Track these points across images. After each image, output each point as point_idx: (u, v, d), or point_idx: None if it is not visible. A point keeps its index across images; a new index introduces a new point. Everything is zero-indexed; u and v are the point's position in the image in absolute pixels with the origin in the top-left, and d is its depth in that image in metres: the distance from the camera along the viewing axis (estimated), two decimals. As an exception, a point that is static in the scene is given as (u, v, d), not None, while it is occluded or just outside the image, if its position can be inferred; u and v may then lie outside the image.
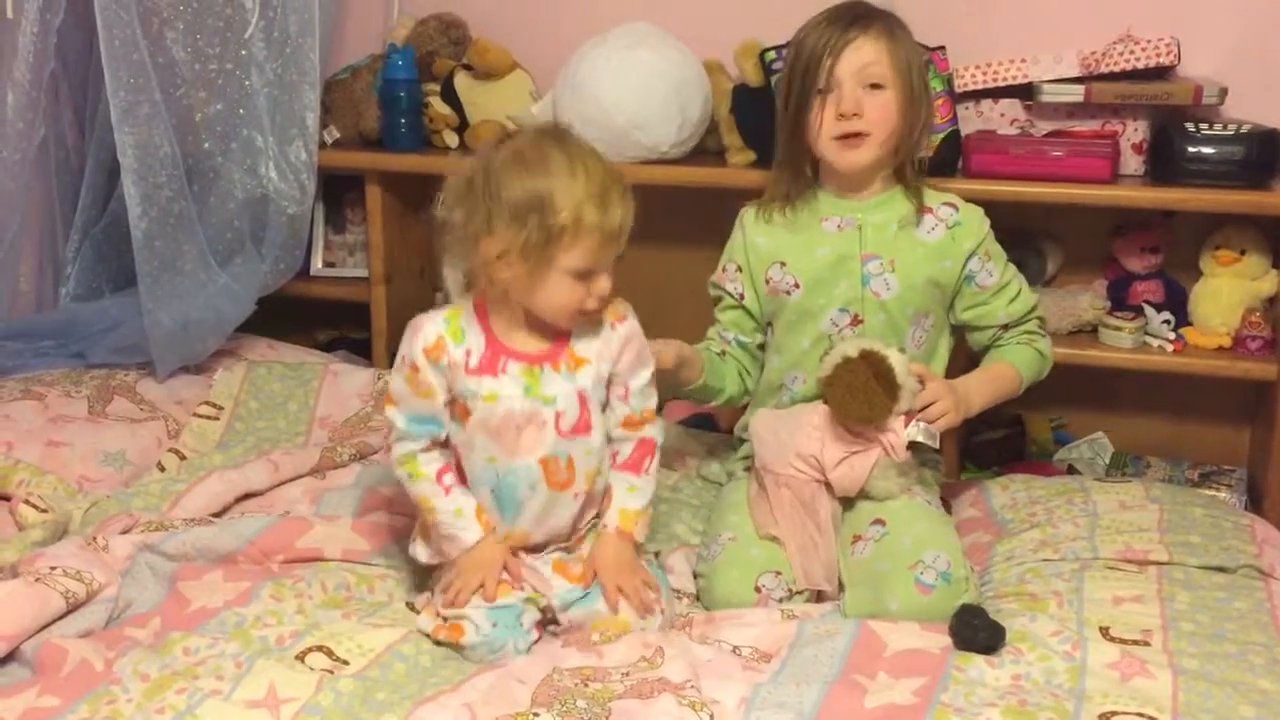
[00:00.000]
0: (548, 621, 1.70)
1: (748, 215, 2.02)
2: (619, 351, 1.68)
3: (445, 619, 1.65)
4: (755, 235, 1.99)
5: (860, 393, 1.75)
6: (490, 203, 1.56)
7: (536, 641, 1.66)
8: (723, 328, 2.05)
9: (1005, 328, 1.98)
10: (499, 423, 1.63)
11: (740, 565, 1.79)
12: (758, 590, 1.77)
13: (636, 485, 1.72)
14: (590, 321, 1.66)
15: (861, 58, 1.86)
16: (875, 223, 1.94)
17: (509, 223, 1.55)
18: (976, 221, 1.96)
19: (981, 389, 1.93)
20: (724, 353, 2.04)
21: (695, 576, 1.86)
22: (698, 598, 1.83)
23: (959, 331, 2.03)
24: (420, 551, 1.74)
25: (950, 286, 1.95)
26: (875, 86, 1.86)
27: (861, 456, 1.81)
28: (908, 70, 1.88)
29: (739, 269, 2.01)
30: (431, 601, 1.69)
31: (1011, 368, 1.97)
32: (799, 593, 1.79)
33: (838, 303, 1.93)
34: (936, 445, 1.88)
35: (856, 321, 1.93)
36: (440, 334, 1.64)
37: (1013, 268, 2.00)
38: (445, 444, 1.69)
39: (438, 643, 1.64)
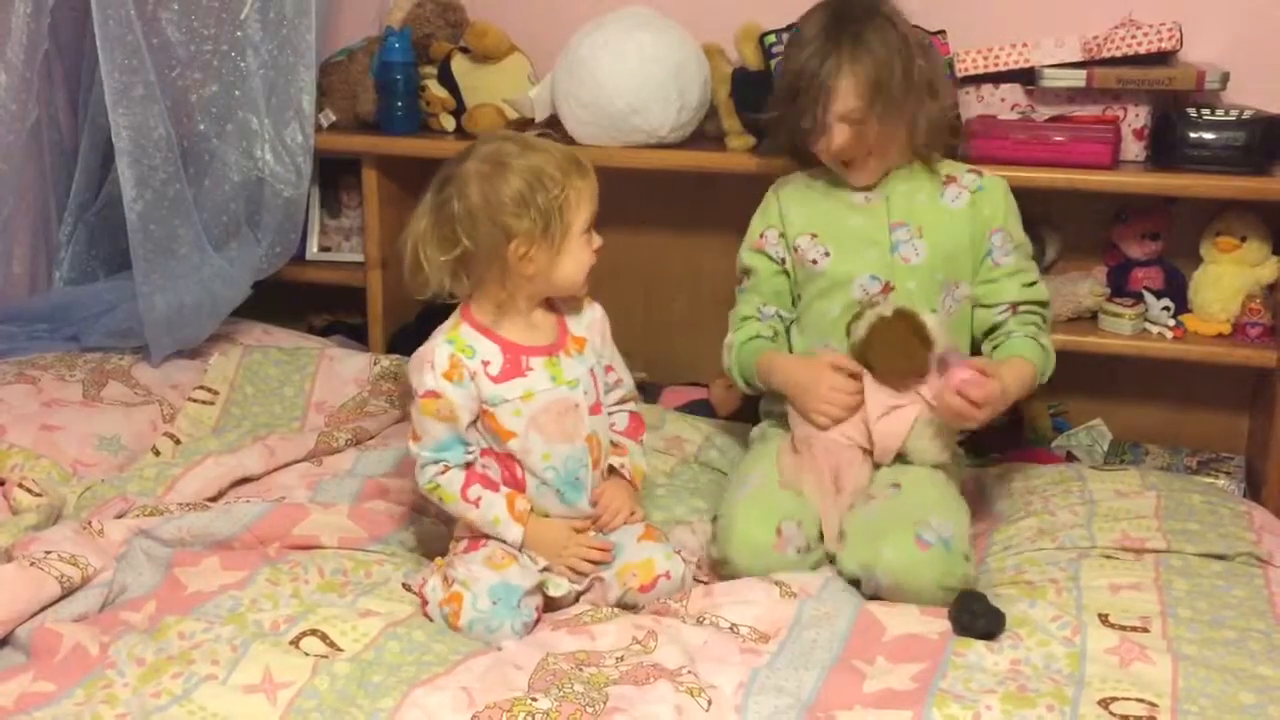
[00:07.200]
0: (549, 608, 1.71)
1: (783, 189, 2.03)
2: (601, 327, 1.82)
3: (451, 582, 1.66)
4: (790, 206, 2.00)
5: (898, 347, 1.81)
6: (493, 211, 1.65)
7: (537, 622, 1.66)
8: (763, 302, 2.02)
9: (1014, 307, 1.96)
10: (540, 414, 1.70)
11: (764, 505, 1.79)
12: (778, 533, 1.76)
13: (641, 450, 1.87)
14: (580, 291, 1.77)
15: (843, 104, 1.85)
16: (901, 191, 1.96)
17: (520, 213, 1.65)
18: (1000, 190, 1.98)
19: (1013, 382, 1.87)
20: (776, 335, 2.01)
21: (712, 525, 1.85)
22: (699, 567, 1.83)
23: None
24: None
25: (979, 252, 1.96)
26: (860, 121, 1.86)
27: (902, 411, 1.83)
28: (888, 86, 1.84)
29: (780, 235, 2.00)
30: (446, 566, 1.71)
31: (1028, 363, 1.91)
32: (816, 549, 1.80)
33: (869, 270, 1.94)
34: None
35: (888, 289, 1.94)
36: (451, 354, 1.69)
37: (1033, 263, 1.99)
38: (468, 464, 1.73)
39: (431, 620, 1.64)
